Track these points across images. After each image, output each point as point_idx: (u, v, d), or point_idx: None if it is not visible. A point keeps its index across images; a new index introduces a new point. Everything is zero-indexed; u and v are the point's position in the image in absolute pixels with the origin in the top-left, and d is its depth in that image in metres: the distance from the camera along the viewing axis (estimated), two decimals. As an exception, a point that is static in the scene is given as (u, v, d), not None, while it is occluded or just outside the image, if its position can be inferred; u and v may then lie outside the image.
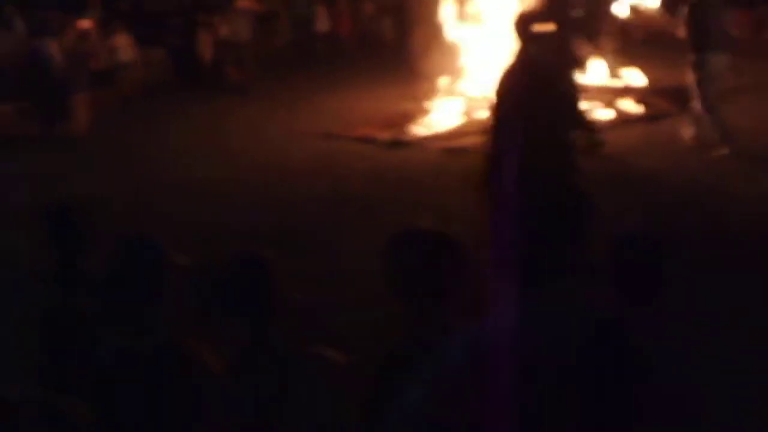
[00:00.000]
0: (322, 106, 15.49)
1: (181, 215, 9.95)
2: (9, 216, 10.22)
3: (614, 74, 13.79)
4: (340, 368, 3.33)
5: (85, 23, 16.94)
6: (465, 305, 3.08)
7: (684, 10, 10.73)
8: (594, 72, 13.78)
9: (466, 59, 14.12)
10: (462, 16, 14.06)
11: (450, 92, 13.86)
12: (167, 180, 11.62)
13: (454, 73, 14.15)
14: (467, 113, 13.13)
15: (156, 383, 2.43)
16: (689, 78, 10.76)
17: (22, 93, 16.00)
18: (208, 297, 3.66)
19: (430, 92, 13.99)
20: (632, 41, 17.62)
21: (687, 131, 11.06)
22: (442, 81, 14.07)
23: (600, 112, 12.53)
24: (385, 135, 12.82)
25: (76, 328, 3.68)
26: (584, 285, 2.91)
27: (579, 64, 12.32)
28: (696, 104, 10.78)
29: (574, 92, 7.78)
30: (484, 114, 12.85)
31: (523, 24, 7.61)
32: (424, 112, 13.54)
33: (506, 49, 13.61)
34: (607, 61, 14.10)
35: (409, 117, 13.51)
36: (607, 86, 13.57)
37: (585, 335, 2.65)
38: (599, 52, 14.24)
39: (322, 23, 22.29)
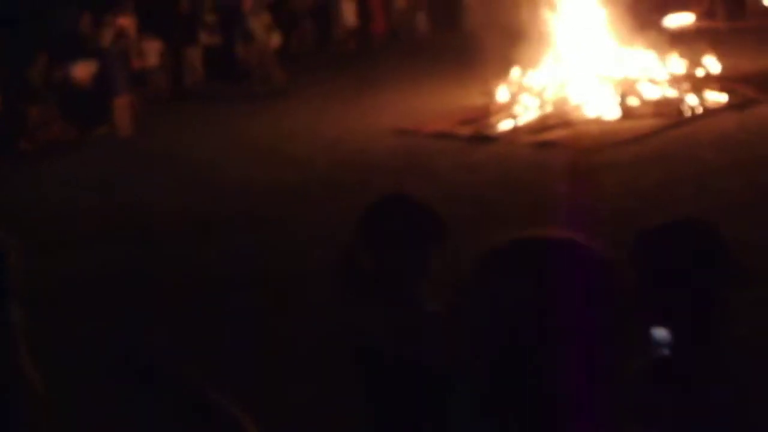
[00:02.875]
0: (380, 102, 14.81)
1: (288, 221, 9.38)
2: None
3: (695, 62, 13.09)
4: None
5: (125, 20, 16.20)
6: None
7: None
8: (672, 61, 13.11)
9: (538, 48, 13.45)
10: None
11: (521, 84, 13.17)
12: (257, 186, 11.02)
13: (525, 63, 13.47)
14: (543, 105, 12.43)
15: None
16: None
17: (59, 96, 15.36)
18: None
19: (499, 85, 13.30)
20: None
21: None
22: (513, 72, 13.38)
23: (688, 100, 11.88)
24: (464, 130, 12.16)
25: None
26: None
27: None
28: None
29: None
30: (562, 105, 12.34)
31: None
32: (499, 105, 12.85)
33: (581, 37, 13.22)
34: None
35: (484, 111, 12.84)
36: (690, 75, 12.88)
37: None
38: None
39: (350, 19, 21.48)
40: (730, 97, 12.07)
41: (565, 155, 10.79)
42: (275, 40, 17.31)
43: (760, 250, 6.98)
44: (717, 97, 12.09)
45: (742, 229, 7.68)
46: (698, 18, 17.32)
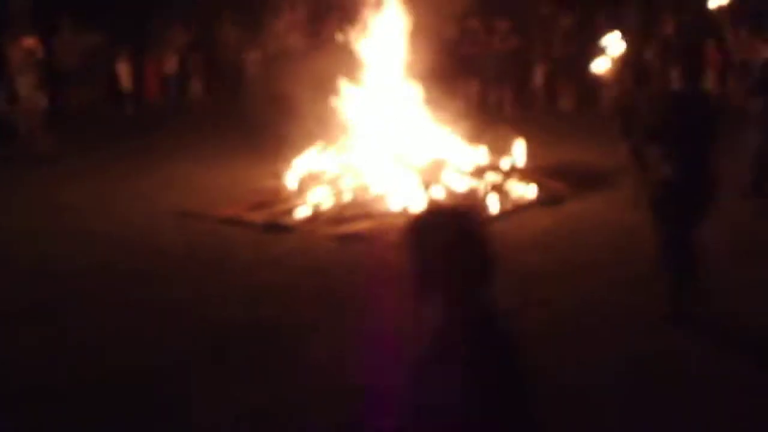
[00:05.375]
0: (160, 178, 13.57)
1: (59, 312, 8.04)
2: None
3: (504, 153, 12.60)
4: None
5: None
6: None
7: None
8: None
9: (334, 129, 12.65)
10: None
11: (316, 169, 12.27)
12: (24, 267, 9.68)
13: (320, 144, 12.62)
14: (341, 194, 11.55)
15: None
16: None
17: None
18: None
19: (290, 167, 12.36)
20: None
21: None
22: (307, 155, 12.48)
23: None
24: (256, 217, 11.08)
25: None
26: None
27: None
28: None
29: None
30: (365, 194, 11.50)
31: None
32: (292, 190, 11.88)
33: (383, 120, 12.49)
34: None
35: (276, 196, 11.83)
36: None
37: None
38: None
39: (124, 82, 20.14)
40: (539, 192, 11.58)
41: (372, 250, 9.93)
42: (42, 101, 15.66)
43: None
44: (526, 191, 11.58)
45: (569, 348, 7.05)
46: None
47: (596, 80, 7.59)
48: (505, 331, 3.10)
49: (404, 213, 10.99)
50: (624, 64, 7.97)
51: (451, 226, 3.09)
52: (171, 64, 20.90)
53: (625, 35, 8.33)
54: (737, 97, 11.21)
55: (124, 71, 20.26)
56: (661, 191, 7.28)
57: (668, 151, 7.16)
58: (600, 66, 8.09)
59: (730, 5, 10.72)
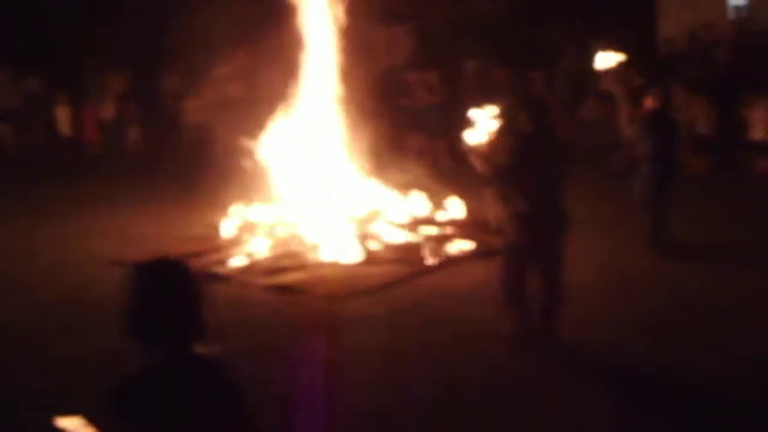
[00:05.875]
0: (94, 225, 13.46)
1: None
2: None
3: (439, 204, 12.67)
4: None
5: None
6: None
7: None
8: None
9: (268, 178, 12.65)
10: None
11: (249, 219, 12.25)
12: None
13: (253, 194, 12.61)
14: (276, 244, 11.52)
15: None
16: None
17: None
18: None
19: (224, 216, 12.33)
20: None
21: None
22: (240, 204, 12.46)
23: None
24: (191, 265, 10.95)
25: None
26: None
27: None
28: None
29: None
30: (296, 244, 11.48)
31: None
32: (226, 240, 11.83)
33: (318, 169, 12.52)
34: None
35: (209, 245, 11.76)
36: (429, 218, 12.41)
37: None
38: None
39: (64, 126, 20.04)
40: (475, 245, 11.63)
41: (305, 302, 9.91)
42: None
43: None
44: (462, 245, 11.63)
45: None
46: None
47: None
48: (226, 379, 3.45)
49: (338, 264, 11.00)
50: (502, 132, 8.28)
51: (164, 277, 3.45)
52: (109, 111, 20.78)
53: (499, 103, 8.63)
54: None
55: (63, 116, 20.16)
56: (513, 223, 8.08)
57: (518, 188, 7.95)
58: (472, 138, 8.29)
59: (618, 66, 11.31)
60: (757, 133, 17.11)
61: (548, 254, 8.19)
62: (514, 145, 8.03)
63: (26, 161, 18.78)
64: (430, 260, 11.12)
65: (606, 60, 11.26)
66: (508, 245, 8.28)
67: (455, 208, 12.60)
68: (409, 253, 11.25)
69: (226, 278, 10.70)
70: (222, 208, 12.51)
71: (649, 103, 11.55)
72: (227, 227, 12.11)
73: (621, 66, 11.21)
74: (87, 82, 20.88)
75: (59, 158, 19.65)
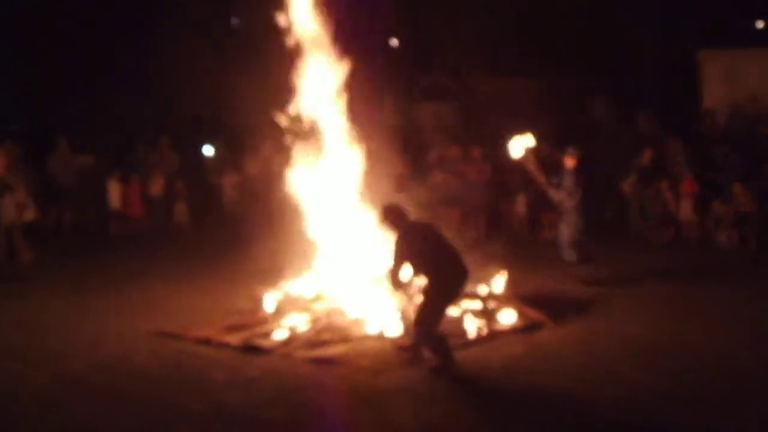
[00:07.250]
0: (139, 298, 13.68)
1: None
2: None
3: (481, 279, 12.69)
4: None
5: None
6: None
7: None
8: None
9: (311, 252, 12.77)
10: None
11: (292, 292, 12.37)
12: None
13: (297, 267, 12.74)
14: (317, 317, 11.59)
15: None
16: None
17: None
18: None
19: (267, 290, 12.47)
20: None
21: None
22: (283, 278, 12.60)
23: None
24: (232, 339, 11.12)
25: None
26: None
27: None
28: None
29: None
30: (337, 318, 11.55)
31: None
32: (268, 313, 11.94)
33: (362, 246, 12.59)
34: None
35: (252, 318, 11.91)
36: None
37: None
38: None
39: (115, 201, 20.48)
40: (517, 319, 11.63)
41: (346, 374, 9.95)
42: (29, 214, 15.91)
43: None
44: (503, 318, 11.63)
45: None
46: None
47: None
48: None
49: (380, 337, 11.04)
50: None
51: None
52: (157, 187, 21.19)
53: None
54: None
55: (114, 191, 20.60)
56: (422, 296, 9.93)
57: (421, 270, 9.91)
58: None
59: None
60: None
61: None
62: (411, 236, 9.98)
63: (77, 235, 19.15)
64: (471, 333, 11.12)
65: (518, 146, 13.07)
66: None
67: (498, 282, 12.61)
68: (451, 326, 11.25)
69: (268, 351, 10.78)
70: (266, 282, 12.65)
71: (569, 162, 13.25)
72: (270, 301, 12.22)
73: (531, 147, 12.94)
74: (135, 159, 21.37)
75: (107, 232, 20.01)
